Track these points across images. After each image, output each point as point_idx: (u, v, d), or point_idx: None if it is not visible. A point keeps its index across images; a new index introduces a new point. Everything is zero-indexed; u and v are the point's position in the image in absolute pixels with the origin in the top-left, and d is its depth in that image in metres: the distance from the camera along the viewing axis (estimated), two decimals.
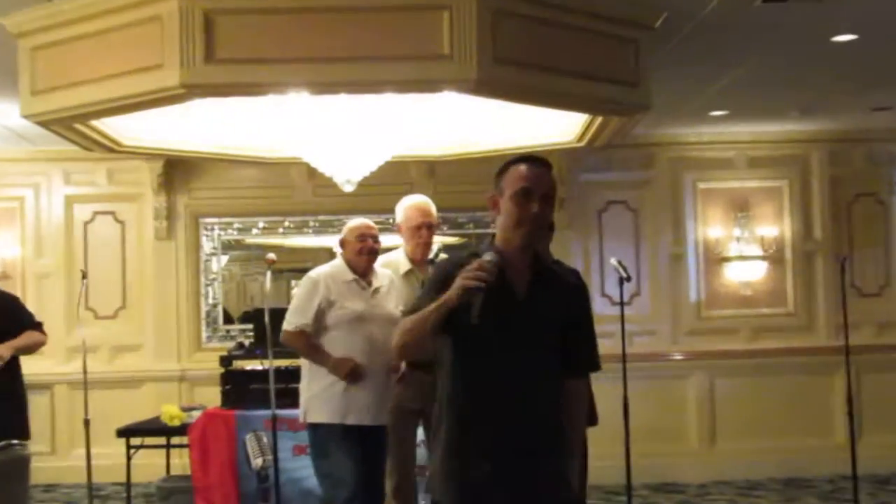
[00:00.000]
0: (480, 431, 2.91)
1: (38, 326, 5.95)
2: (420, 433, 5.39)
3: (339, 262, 5.02)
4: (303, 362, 5.03)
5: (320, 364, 4.87)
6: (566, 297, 3.02)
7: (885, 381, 8.36)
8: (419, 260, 5.24)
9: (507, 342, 2.92)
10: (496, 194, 2.99)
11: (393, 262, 5.24)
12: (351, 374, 4.80)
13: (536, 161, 3.00)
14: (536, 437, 2.91)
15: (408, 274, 5.24)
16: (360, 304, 4.93)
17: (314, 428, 4.89)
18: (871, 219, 8.67)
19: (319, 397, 4.85)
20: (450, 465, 2.97)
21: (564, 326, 2.98)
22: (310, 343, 4.89)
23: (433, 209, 5.28)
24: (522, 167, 2.96)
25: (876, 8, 5.14)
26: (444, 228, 8.34)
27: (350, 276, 4.96)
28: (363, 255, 4.98)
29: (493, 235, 3.05)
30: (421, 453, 5.49)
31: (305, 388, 4.94)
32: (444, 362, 3.04)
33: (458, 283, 2.81)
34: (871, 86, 6.86)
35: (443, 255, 5.15)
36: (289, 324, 4.89)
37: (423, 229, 5.18)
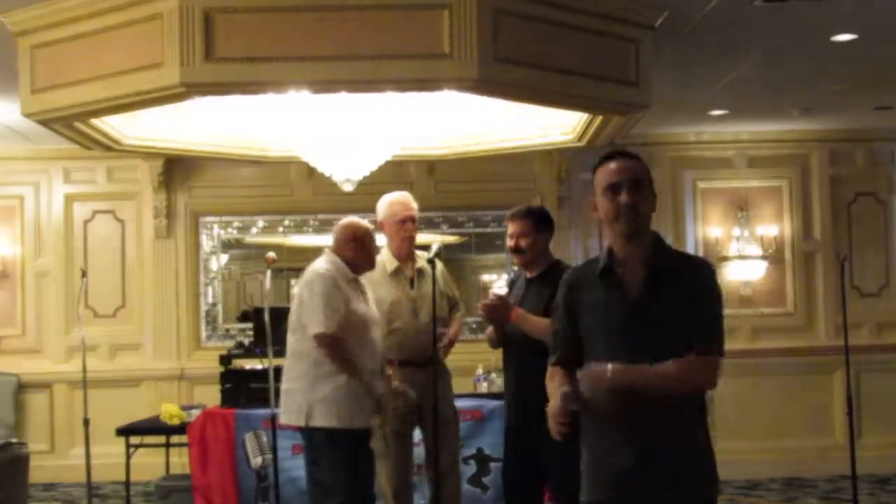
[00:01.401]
0: (605, 434, 2.91)
1: None
2: (417, 433, 5.38)
3: (337, 261, 4.88)
4: (295, 363, 4.84)
5: (345, 372, 4.68)
6: (686, 287, 2.93)
7: (884, 381, 8.35)
8: (405, 256, 5.22)
9: (622, 341, 2.89)
10: (593, 199, 3.03)
11: (379, 261, 5.14)
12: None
13: (621, 154, 3.02)
14: (657, 441, 2.86)
15: (395, 272, 5.21)
16: (362, 306, 4.87)
17: (314, 432, 4.75)
18: (871, 219, 8.66)
19: (326, 401, 4.69)
20: (588, 464, 3.00)
21: (686, 315, 2.89)
22: (345, 351, 4.70)
23: (414, 203, 5.28)
24: (607, 164, 2.99)
25: (876, 7, 5.14)
26: (444, 227, 8.36)
27: (351, 276, 4.90)
28: (369, 257, 4.97)
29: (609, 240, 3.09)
30: (418, 452, 5.48)
31: (304, 389, 4.73)
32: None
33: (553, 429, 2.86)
34: (871, 85, 6.86)
35: (422, 253, 5.17)
36: (327, 328, 4.64)
37: (409, 222, 5.18)
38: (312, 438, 4.78)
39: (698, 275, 2.98)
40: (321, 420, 4.70)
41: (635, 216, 2.94)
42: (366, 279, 5.02)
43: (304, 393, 4.74)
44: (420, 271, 5.20)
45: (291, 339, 4.85)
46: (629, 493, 2.89)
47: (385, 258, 5.23)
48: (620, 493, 2.91)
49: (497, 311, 4.36)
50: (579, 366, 2.98)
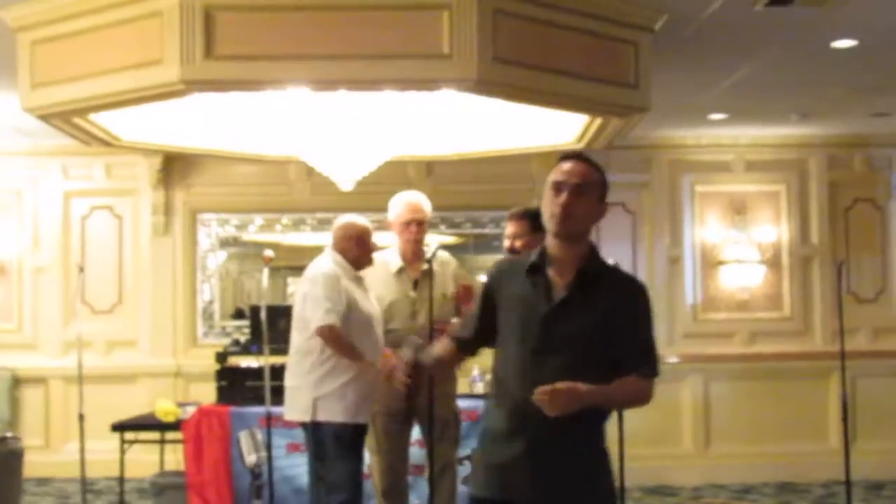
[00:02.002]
0: (507, 422, 2.94)
1: None
2: (416, 433, 5.38)
3: (339, 259, 4.95)
4: (300, 360, 4.93)
5: (353, 360, 4.75)
6: (611, 298, 2.97)
7: (880, 386, 8.35)
8: (410, 257, 5.23)
9: (538, 338, 2.92)
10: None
11: (384, 261, 5.20)
12: (391, 372, 4.74)
13: (574, 156, 3.07)
14: (561, 436, 2.89)
15: (399, 272, 5.22)
16: (366, 303, 4.94)
17: (318, 427, 4.81)
18: (868, 224, 8.67)
19: (332, 397, 4.77)
20: (482, 455, 3.05)
21: (607, 327, 2.94)
22: (347, 339, 4.77)
23: (425, 206, 5.25)
24: (560, 164, 3.03)
25: (876, 14, 5.15)
26: (442, 228, 8.35)
27: (353, 273, 4.94)
28: (370, 255, 4.99)
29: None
30: (414, 452, 5.49)
31: (310, 386, 4.81)
32: (493, 361, 3.10)
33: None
34: (870, 91, 6.87)
35: (441, 253, 5.16)
36: (331, 320, 4.71)
37: (413, 226, 5.16)
38: (318, 434, 4.83)
39: (637, 296, 3.05)
40: (326, 415, 4.78)
41: (566, 219, 2.95)
42: (369, 277, 5.05)
43: (310, 389, 4.82)
44: (426, 273, 5.21)
45: (297, 338, 4.92)
46: (515, 488, 2.93)
47: (391, 257, 5.24)
48: (505, 488, 2.95)
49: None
50: (472, 352, 3.15)
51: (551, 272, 2.98)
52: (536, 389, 2.78)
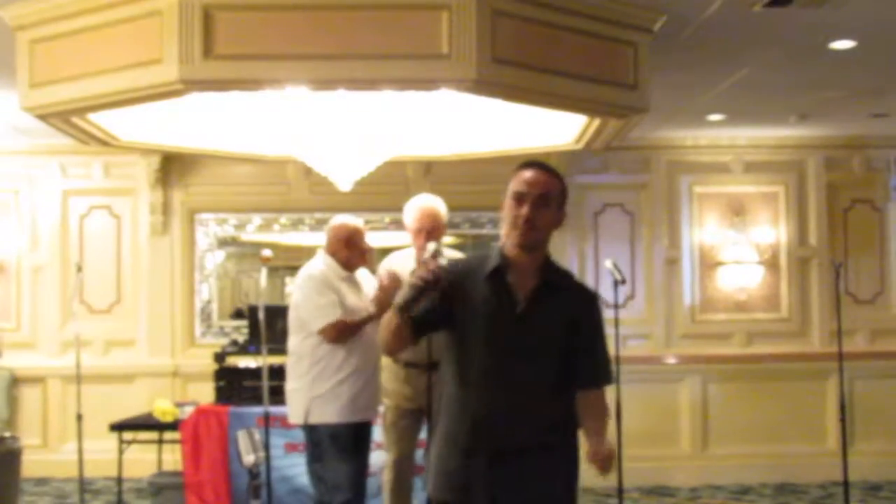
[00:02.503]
0: (469, 431, 2.94)
1: None
2: (423, 433, 5.39)
3: (329, 260, 4.99)
4: (296, 363, 4.94)
5: (370, 320, 4.78)
6: (570, 307, 3.02)
7: (878, 388, 8.36)
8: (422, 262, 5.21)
9: (501, 346, 2.94)
10: (504, 201, 3.05)
11: (400, 262, 5.21)
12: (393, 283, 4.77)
13: (538, 165, 3.04)
14: (525, 439, 2.93)
15: (412, 274, 5.23)
16: (358, 302, 4.96)
17: (314, 429, 4.84)
18: (866, 225, 8.67)
19: (325, 397, 4.81)
20: (437, 459, 3.05)
21: (567, 337, 2.99)
22: (351, 323, 4.82)
23: (438, 212, 5.18)
24: (523, 171, 3.02)
25: (875, 15, 5.15)
26: None
27: (344, 273, 4.97)
28: (362, 255, 5.00)
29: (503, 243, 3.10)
30: (418, 454, 5.51)
31: (305, 388, 4.85)
32: (444, 361, 3.07)
33: (408, 281, 2.93)
34: (868, 93, 6.87)
35: (449, 252, 5.16)
36: (328, 318, 4.78)
37: (423, 233, 5.08)
38: (314, 435, 4.87)
39: (593, 307, 3.11)
40: (320, 416, 4.82)
41: (530, 230, 2.97)
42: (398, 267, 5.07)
43: (304, 391, 4.87)
44: None
45: (292, 340, 4.96)
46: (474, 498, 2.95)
47: (408, 259, 5.23)
48: (463, 494, 2.98)
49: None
50: (417, 336, 3.03)
51: (511, 278, 2.99)
52: (595, 461, 2.94)
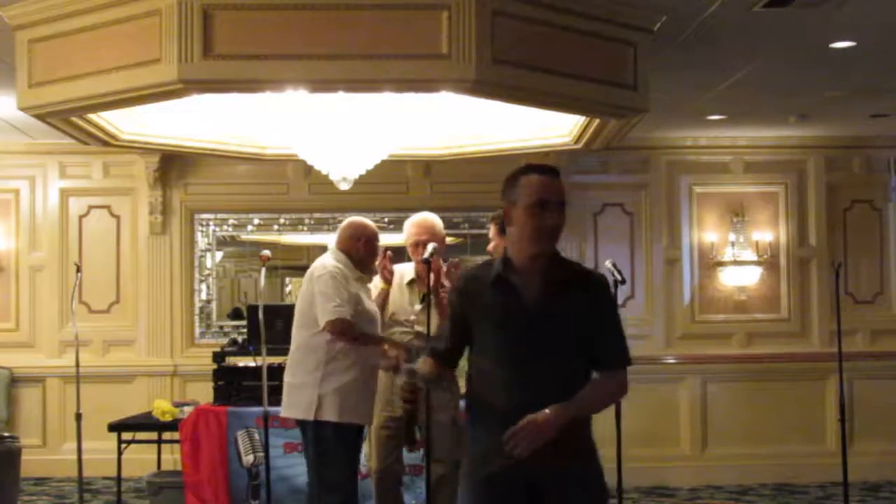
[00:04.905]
0: (495, 437, 2.91)
1: None
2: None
3: (343, 258, 4.95)
4: (304, 357, 4.88)
5: (366, 345, 4.80)
6: (581, 301, 2.98)
7: (877, 388, 8.36)
8: (421, 275, 5.21)
9: (520, 351, 2.93)
10: (508, 206, 3.00)
11: (402, 270, 5.29)
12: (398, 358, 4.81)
13: (547, 170, 3.00)
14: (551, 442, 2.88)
15: (410, 283, 5.28)
16: (369, 303, 4.96)
17: (321, 425, 4.78)
18: (866, 226, 8.67)
19: (336, 395, 4.75)
20: (469, 467, 3.07)
21: (586, 328, 2.96)
22: (359, 331, 4.79)
23: (432, 222, 5.24)
24: (534, 177, 2.96)
25: (875, 15, 5.14)
26: None
27: (357, 273, 4.95)
28: (375, 257, 5.04)
29: (506, 248, 3.09)
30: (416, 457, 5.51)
31: (314, 383, 4.77)
32: (471, 370, 3.11)
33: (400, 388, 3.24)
34: (868, 93, 6.87)
35: (466, 261, 5.22)
36: (338, 312, 4.71)
37: (420, 247, 5.09)
38: (319, 431, 4.79)
39: (601, 292, 3.06)
40: (330, 413, 4.75)
41: (556, 238, 2.96)
42: (403, 284, 5.19)
43: (314, 386, 4.79)
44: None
45: (302, 334, 4.89)
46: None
47: (408, 269, 5.30)
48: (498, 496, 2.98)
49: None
50: (452, 362, 3.17)
51: (517, 281, 2.96)
52: (505, 436, 2.80)
